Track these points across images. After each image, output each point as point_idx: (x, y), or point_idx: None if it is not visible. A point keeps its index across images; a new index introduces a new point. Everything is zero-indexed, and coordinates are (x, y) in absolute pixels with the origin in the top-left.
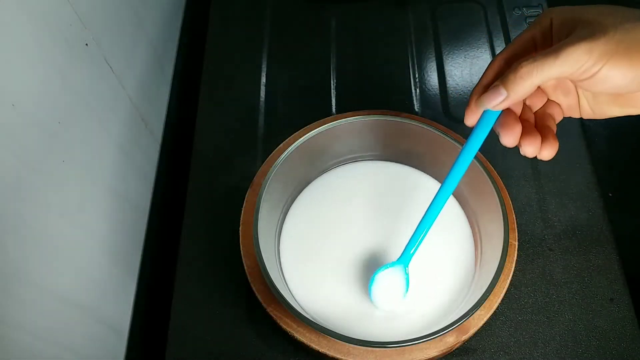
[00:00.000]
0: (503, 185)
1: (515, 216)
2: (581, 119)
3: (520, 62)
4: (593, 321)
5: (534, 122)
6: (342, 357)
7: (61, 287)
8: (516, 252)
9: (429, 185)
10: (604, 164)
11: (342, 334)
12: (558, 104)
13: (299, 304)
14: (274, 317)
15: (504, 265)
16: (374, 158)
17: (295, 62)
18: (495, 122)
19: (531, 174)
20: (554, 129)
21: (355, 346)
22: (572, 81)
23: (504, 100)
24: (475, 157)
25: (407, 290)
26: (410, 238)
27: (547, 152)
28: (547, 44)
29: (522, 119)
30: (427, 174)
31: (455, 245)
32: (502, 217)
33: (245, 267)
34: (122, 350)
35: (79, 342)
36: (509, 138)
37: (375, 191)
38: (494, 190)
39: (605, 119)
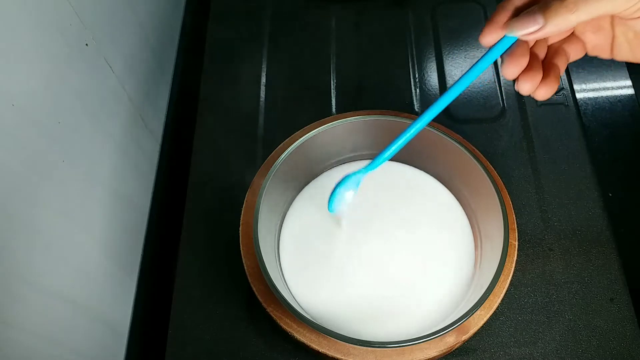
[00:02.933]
0: (503, 185)
1: (515, 216)
2: (581, 119)
3: None
4: (593, 321)
5: (544, 56)
6: (342, 357)
7: (61, 286)
8: (516, 252)
9: (429, 185)
10: (604, 164)
11: (342, 334)
12: (582, 41)
13: (299, 304)
14: (274, 317)
15: (504, 265)
16: (374, 158)
17: (295, 62)
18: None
19: (531, 174)
20: (562, 67)
21: (355, 346)
22: (622, 18)
23: (538, 31)
24: (475, 156)
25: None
26: (383, 149)
27: (543, 91)
28: None
29: (531, 51)
30: (428, 173)
31: (455, 245)
32: (502, 217)
33: (245, 267)
34: (122, 350)
35: (78, 342)
36: (512, 69)
37: (375, 191)
38: (494, 190)
39: (605, 120)
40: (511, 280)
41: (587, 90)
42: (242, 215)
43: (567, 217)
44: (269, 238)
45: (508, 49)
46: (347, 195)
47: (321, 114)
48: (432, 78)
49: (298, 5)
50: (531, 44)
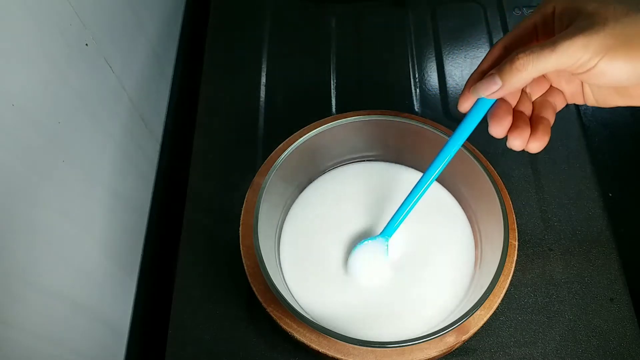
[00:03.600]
0: (503, 185)
1: (515, 216)
2: (581, 119)
3: (517, 52)
4: (593, 321)
5: (530, 112)
6: (342, 357)
7: (61, 286)
8: (516, 252)
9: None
10: (604, 164)
11: (342, 334)
12: (561, 91)
13: (299, 304)
14: (274, 317)
15: (504, 265)
16: (374, 158)
17: (295, 62)
18: (488, 110)
19: (531, 174)
20: (551, 119)
21: (355, 346)
22: (571, 74)
23: (498, 90)
24: (475, 156)
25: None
26: (394, 214)
27: (534, 145)
28: (548, 32)
29: (516, 110)
30: None
31: (455, 245)
32: (502, 217)
33: (245, 267)
34: (122, 350)
35: (78, 342)
36: (497, 129)
37: (375, 192)
38: (494, 190)
39: (605, 120)
40: (511, 280)
41: None
42: (242, 215)
43: (567, 217)
44: (269, 238)
45: (489, 110)
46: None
47: (321, 114)
48: (432, 78)
49: (298, 5)
50: (514, 104)
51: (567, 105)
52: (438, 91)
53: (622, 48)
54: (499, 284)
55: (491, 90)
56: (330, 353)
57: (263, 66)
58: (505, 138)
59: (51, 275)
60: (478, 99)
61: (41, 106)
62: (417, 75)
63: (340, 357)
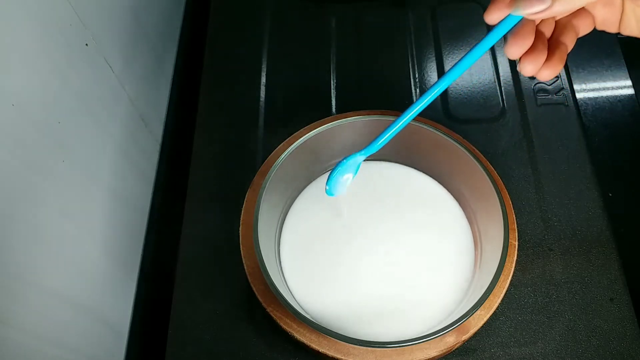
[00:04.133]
0: (503, 185)
1: (515, 216)
2: (581, 119)
3: None
4: (593, 321)
5: (550, 33)
6: (342, 357)
7: (61, 287)
8: (516, 252)
9: (429, 186)
10: (604, 164)
11: (342, 334)
12: (592, 15)
13: (299, 304)
14: (274, 317)
15: (504, 265)
16: (374, 158)
17: (295, 62)
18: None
19: (531, 174)
20: (570, 46)
21: (355, 346)
22: None
23: (544, 10)
24: (475, 156)
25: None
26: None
27: (546, 72)
28: None
29: (537, 29)
30: (428, 174)
31: (455, 245)
32: (502, 217)
33: (245, 267)
34: (122, 350)
35: (78, 342)
36: (516, 50)
37: (375, 191)
38: (494, 190)
39: (605, 120)
40: (511, 280)
41: (587, 90)
42: (242, 215)
43: (567, 217)
44: (269, 238)
45: (513, 27)
46: (346, 178)
47: (321, 114)
48: (432, 78)
49: (298, 5)
50: (537, 22)
51: (567, 105)
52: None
53: None
54: (499, 284)
55: (536, 9)
56: (330, 353)
57: (263, 66)
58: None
59: (51, 275)
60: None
61: (41, 106)
62: (417, 75)
63: (340, 357)
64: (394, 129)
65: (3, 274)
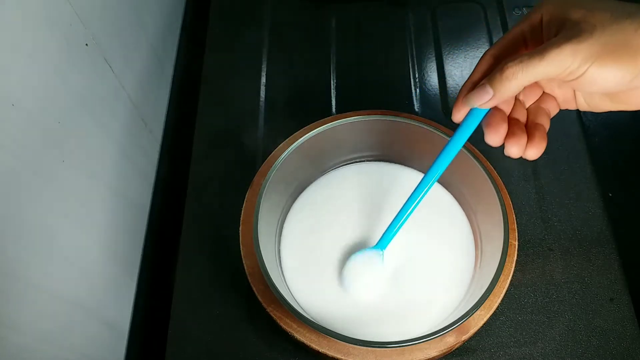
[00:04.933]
0: (503, 185)
1: (515, 216)
2: (580, 119)
3: (506, 62)
4: (593, 321)
5: (525, 119)
6: (342, 357)
7: (61, 287)
8: (516, 252)
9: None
10: (604, 164)
11: (342, 334)
12: (554, 97)
13: (298, 304)
14: (274, 317)
15: (504, 265)
16: (374, 158)
17: (295, 62)
18: (482, 119)
19: (531, 174)
20: (547, 125)
21: (355, 346)
22: (562, 81)
23: (490, 100)
24: (475, 156)
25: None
26: (389, 225)
27: (532, 152)
28: (537, 40)
29: (511, 117)
30: None
31: (455, 245)
32: (502, 217)
33: (245, 267)
34: (122, 350)
35: (78, 342)
36: (494, 137)
37: (375, 192)
38: (494, 190)
39: (605, 120)
40: (511, 280)
41: None
42: (242, 215)
43: (567, 217)
44: (269, 238)
45: (484, 119)
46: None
47: (321, 114)
48: (432, 78)
49: (298, 5)
50: (508, 111)
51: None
52: (438, 91)
53: (610, 55)
54: (499, 284)
55: (483, 100)
56: (330, 353)
57: (263, 66)
58: (503, 146)
59: (51, 275)
60: (472, 109)
61: (41, 106)
62: (417, 75)
63: (340, 357)
64: (401, 222)
65: (3, 274)
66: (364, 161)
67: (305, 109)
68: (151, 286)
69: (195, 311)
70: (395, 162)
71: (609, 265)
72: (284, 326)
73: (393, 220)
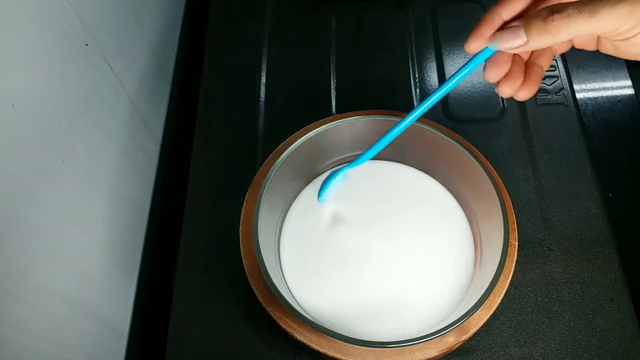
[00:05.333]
0: (503, 185)
1: (515, 216)
2: (580, 119)
3: (552, 11)
4: (593, 321)
5: (527, 56)
6: (342, 357)
7: (60, 287)
8: (516, 252)
9: (429, 186)
10: (604, 164)
11: (342, 334)
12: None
13: (299, 304)
14: (274, 317)
15: (504, 265)
16: (374, 158)
17: (295, 62)
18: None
19: (531, 174)
20: (546, 66)
21: (355, 346)
22: (606, 39)
23: (521, 46)
24: (475, 156)
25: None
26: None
27: (523, 93)
28: None
29: (515, 54)
30: (427, 174)
31: (455, 245)
32: (502, 217)
33: (245, 267)
34: (122, 350)
35: (78, 342)
36: (492, 73)
37: (375, 191)
38: (494, 190)
39: (605, 120)
40: (511, 280)
41: (587, 90)
42: (242, 215)
43: (567, 217)
44: (269, 238)
45: (491, 55)
46: (335, 184)
47: (321, 114)
48: (432, 78)
49: (298, 5)
50: None
51: (567, 105)
52: None
53: None
54: (499, 284)
55: (514, 44)
56: (330, 353)
57: (263, 66)
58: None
59: (51, 275)
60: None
61: (41, 106)
62: (417, 75)
63: (340, 357)
64: (383, 142)
65: (3, 274)
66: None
67: (305, 109)
68: (151, 286)
69: (195, 311)
70: (395, 162)
71: (609, 265)
72: (284, 326)
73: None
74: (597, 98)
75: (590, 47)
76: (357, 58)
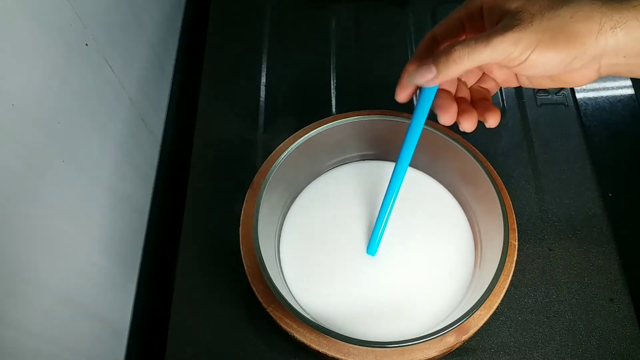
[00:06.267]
0: (503, 185)
1: (515, 216)
2: (580, 119)
3: (454, 45)
4: (593, 321)
5: (469, 98)
6: (342, 357)
7: (61, 287)
8: (516, 252)
9: (429, 186)
10: (604, 164)
11: (342, 334)
12: (493, 78)
13: (299, 304)
14: (274, 317)
15: (504, 265)
16: (374, 158)
17: (295, 62)
18: (432, 104)
19: (531, 174)
20: (490, 100)
21: (355, 346)
22: (505, 66)
23: (433, 78)
24: (475, 156)
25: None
26: (373, 228)
27: (492, 120)
28: (476, 26)
29: (457, 97)
30: (427, 174)
31: (455, 245)
32: (502, 217)
33: (245, 267)
34: (122, 350)
35: (78, 342)
36: (446, 117)
37: (375, 191)
38: (494, 190)
39: (605, 120)
40: (511, 280)
41: (587, 90)
42: (242, 215)
43: (567, 217)
44: (269, 238)
45: (433, 103)
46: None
47: (321, 114)
48: None
49: (298, 5)
50: (453, 92)
51: (567, 105)
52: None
53: (549, 41)
54: (499, 284)
55: (427, 78)
56: (330, 353)
57: (263, 66)
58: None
59: (51, 275)
60: (422, 90)
61: (41, 106)
62: None
63: (340, 357)
64: (384, 219)
65: (3, 274)
66: (363, 161)
67: (305, 109)
68: (151, 286)
69: (195, 311)
70: (395, 162)
71: (609, 265)
72: (284, 326)
73: (376, 223)
74: (597, 98)
75: (513, 84)
76: (357, 58)
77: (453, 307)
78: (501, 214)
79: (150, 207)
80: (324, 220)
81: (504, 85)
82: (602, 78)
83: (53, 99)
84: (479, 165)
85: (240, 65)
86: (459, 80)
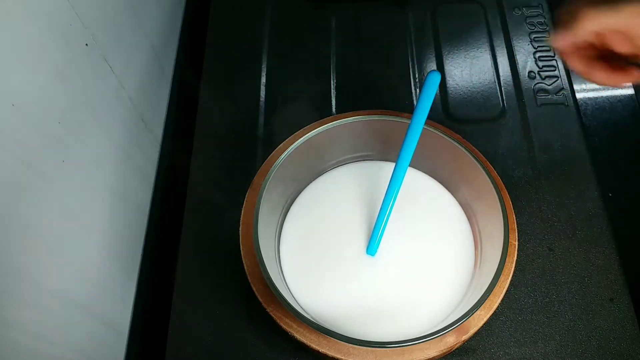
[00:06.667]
0: (503, 185)
1: (515, 216)
2: (580, 119)
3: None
4: (593, 321)
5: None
6: (342, 357)
7: (61, 287)
8: (516, 252)
9: (429, 186)
10: (604, 164)
11: (342, 334)
12: None
13: (299, 304)
14: (274, 317)
15: (504, 265)
16: (374, 158)
17: (295, 62)
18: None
19: (531, 174)
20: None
21: (355, 346)
22: None
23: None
24: (475, 156)
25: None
26: (373, 228)
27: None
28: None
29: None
30: (427, 174)
31: (455, 245)
32: (502, 217)
33: (245, 267)
34: (122, 350)
35: (78, 341)
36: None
37: (375, 191)
38: (494, 190)
39: (605, 120)
40: (511, 280)
41: (587, 90)
42: (242, 215)
43: (567, 217)
44: (269, 238)
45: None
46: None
47: (321, 114)
48: None
49: (298, 5)
50: None
51: (567, 105)
52: (438, 91)
53: None
54: (499, 284)
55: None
56: (330, 353)
57: (263, 66)
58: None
59: (51, 275)
60: (422, 90)
61: (41, 106)
62: (417, 75)
63: (340, 357)
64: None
65: (3, 274)
66: (363, 161)
67: (305, 109)
68: (151, 286)
69: (195, 311)
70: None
71: (609, 265)
72: (284, 326)
73: (376, 223)
74: (597, 98)
75: None
76: (357, 58)
77: (453, 307)
78: (501, 214)
79: (150, 207)
80: (324, 221)
81: None
82: None
83: (53, 99)
84: (479, 165)
85: (240, 65)
86: None
